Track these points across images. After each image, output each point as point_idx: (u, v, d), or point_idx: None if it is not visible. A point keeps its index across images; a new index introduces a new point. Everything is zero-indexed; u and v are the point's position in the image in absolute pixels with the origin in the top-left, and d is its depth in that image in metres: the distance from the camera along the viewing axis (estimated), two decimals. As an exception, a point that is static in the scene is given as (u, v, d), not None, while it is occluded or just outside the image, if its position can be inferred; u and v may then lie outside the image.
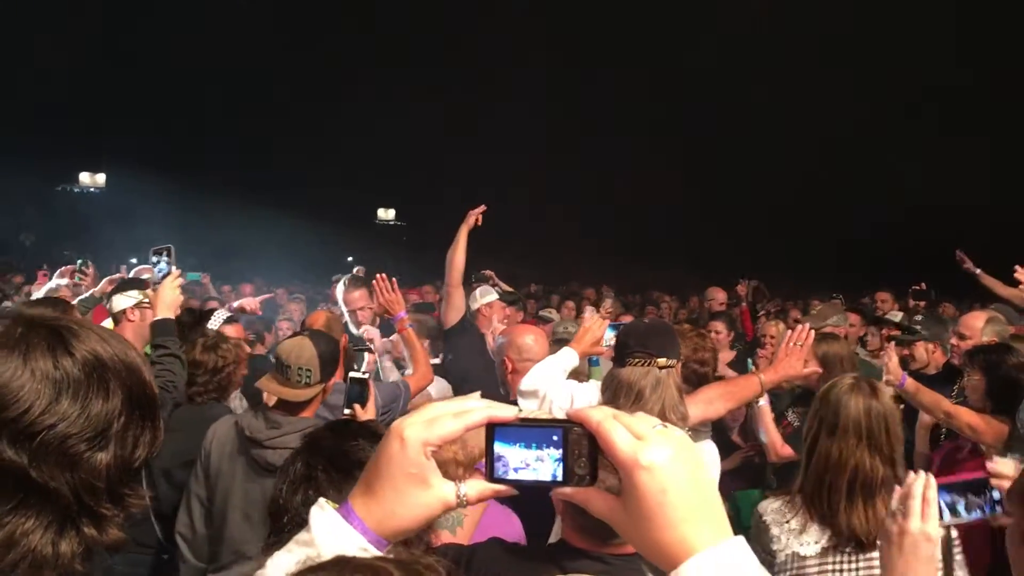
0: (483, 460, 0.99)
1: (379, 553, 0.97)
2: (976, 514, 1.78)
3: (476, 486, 1.00)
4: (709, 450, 3.48)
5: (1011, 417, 3.79)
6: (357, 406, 3.50)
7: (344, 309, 5.18)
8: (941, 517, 1.71)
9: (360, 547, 0.98)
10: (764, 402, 4.20)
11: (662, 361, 2.88)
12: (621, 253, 15.95)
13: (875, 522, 2.48)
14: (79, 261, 5.92)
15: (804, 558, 2.55)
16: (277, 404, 3.30)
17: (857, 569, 2.53)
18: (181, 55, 18.17)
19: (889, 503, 2.34)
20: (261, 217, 14.63)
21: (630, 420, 0.92)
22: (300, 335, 3.50)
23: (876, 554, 2.46)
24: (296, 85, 19.06)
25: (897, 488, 1.78)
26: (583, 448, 0.94)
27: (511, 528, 2.71)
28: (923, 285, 8.62)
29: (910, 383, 4.08)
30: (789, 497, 2.68)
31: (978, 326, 4.63)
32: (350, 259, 12.69)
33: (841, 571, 2.53)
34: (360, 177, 18.81)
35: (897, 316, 6.97)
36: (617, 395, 2.85)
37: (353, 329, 5.03)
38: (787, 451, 4.17)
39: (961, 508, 1.76)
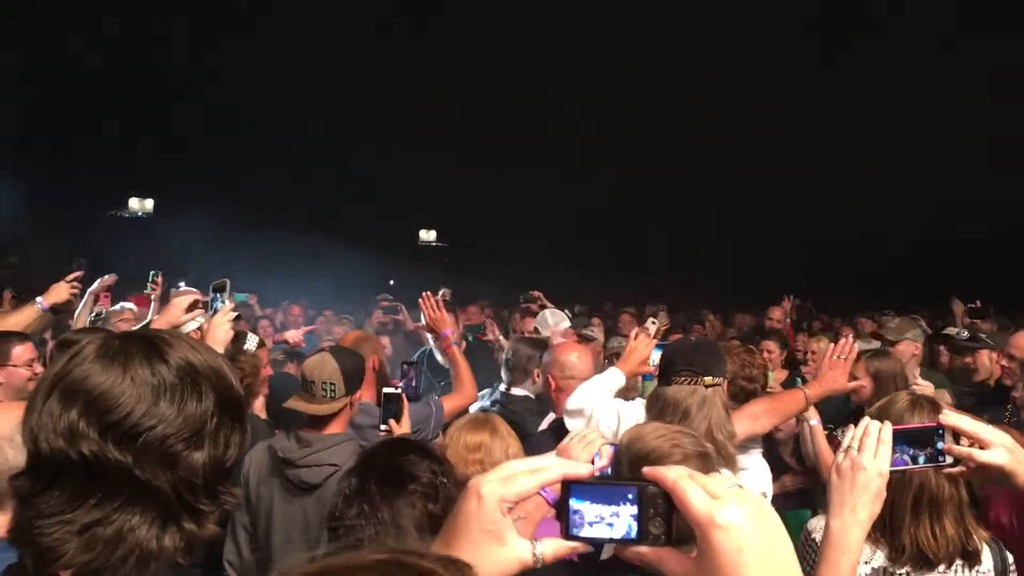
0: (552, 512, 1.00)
1: None
2: (922, 461, 1.80)
3: (552, 544, 1.01)
4: (759, 465, 3.46)
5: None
6: (392, 421, 3.56)
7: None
8: (896, 463, 1.77)
9: None
10: (816, 421, 4.18)
11: (708, 380, 2.89)
12: (658, 272, 15.88)
13: (943, 540, 2.43)
14: (151, 273, 6.03)
15: None
16: (307, 423, 3.35)
17: None
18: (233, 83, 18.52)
19: (954, 521, 2.39)
20: (301, 239, 14.80)
21: (705, 480, 0.92)
22: (323, 351, 3.56)
23: (932, 574, 2.44)
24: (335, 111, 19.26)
25: (851, 427, 1.84)
26: (659, 507, 0.94)
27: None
28: (978, 303, 8.44)
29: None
30: None
31: None
32: (392, 282, 12.74)
33: None
34: (401, 198, 18.99)
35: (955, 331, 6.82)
36: (663, 413, 2.85)
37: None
38: None
39: (909, 456, 1.79)
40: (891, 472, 1.77)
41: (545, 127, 19.13)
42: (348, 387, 3.36)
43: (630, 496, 0.95)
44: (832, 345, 3.65)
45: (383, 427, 3.53)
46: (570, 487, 0.99)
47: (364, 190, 18.52)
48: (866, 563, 2.50)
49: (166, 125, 19.40)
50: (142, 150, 19.57)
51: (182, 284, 6.94)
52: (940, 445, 1.80)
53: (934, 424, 1.82)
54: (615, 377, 3.65)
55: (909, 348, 5.26)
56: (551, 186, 19.20)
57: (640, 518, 0.94)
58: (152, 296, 6.01)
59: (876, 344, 5.33)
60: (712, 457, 2.14)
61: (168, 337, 1.32)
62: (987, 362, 5.09)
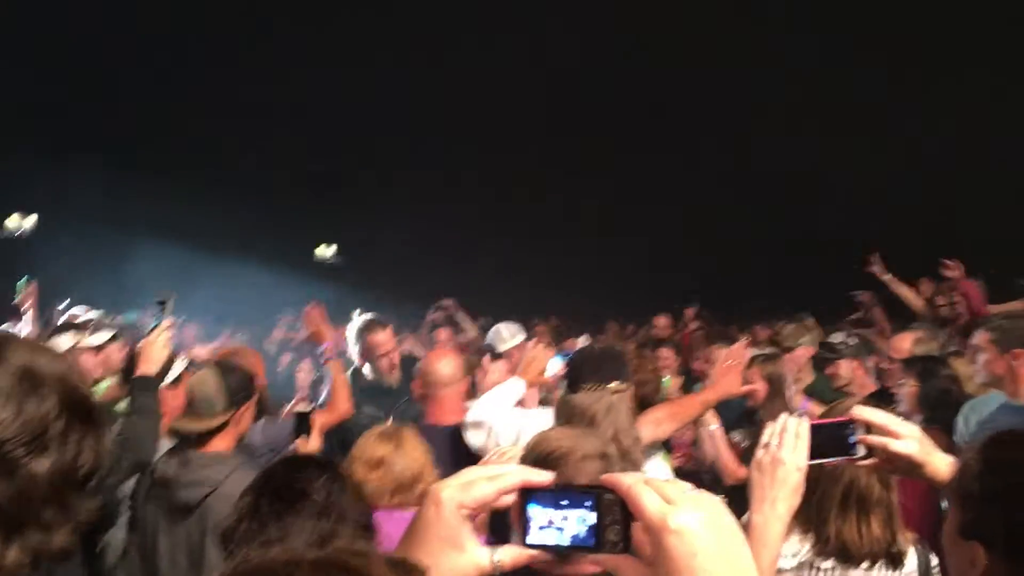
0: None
1: None
2: (834, 456, 1.86)
3: (510, 552, 1.00)
4: (661, 469, 3.56)
5: (940, 427, 3.97)
6: (301, 439, 3.53)
7: (357, 353, 4.90)
8: (814, 455, 1.82)
9: None
10: (716, 427, 4.34)
11: (614, 386, 2.96)
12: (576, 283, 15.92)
13: (868, 538, 2.51)
14: (21, 281, 5.74)
15: (780, 571, 2.53)
16: (194, 441, 3.20)
17: None
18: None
19: (880, 522, 2.48)
20: (190, 256, 14.30)
21: (661, 484, 0.92)
22: (205, 368, 3.45)
23: (854, 572, 2.52)
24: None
25: (770, 423, 1.89)
26: (616, 514, 0.94)
27: None
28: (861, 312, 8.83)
29: (812, 406, 4.24)
30: None
31: (906, 347, 4.80)
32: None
33: None
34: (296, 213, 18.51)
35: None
36: (571, 420, 2.90)
37: (370, 375, 4.83)
38: (743, 471, 4.27)
39: (824, 449, 1.85)
40: (809, 466, 1.82)
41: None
42: (229, 403, 3.21)
43: (588, 503, 0.95)
44: (724, 351, 3.79)
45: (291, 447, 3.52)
46: (529, 494, 0.98)
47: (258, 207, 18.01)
48: (793, 556, 2.56)
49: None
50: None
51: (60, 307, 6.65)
52: (853, 439, 1.86)
53: (847, 419, 1.87)
54: (515, 387, 3.72)
55: (805, 353, 5.52)
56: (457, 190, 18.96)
57: (598, 525, 0.94)
58: (24, 307, 5.71)
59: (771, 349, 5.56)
60: (613, 459, 2.18)
61: (5, 339, 1.25)
62: (846, 370, 5.40)
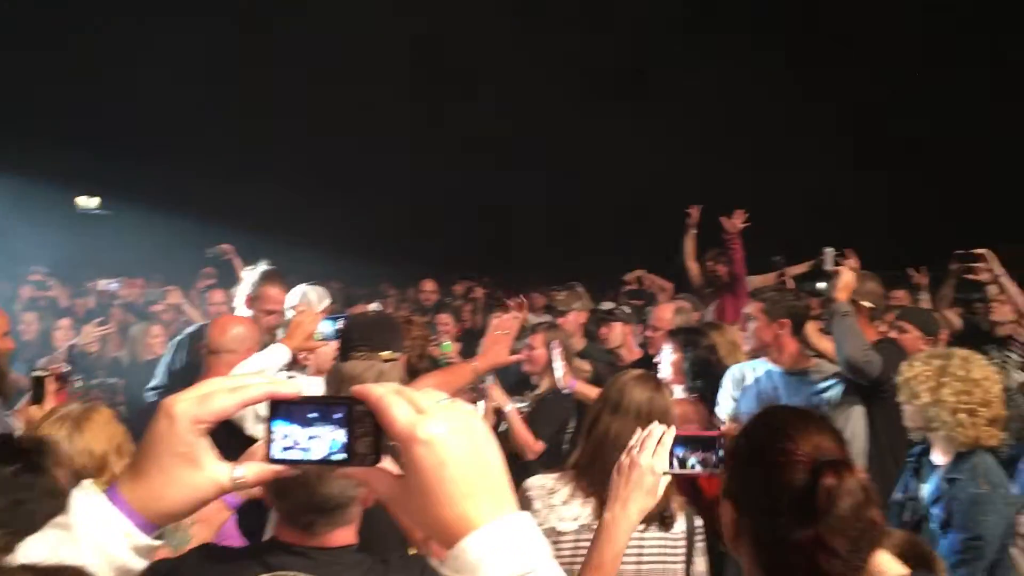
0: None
1: (146, 537, 0.92)
2: (698, 468, 1.93)
3: (254, 468, 0.94)
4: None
5: (700, 395, 4.22)
6: (34, 407, 3.29)
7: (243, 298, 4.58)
8: (671, 465, 1.89)
9: (124, 531, 0.90)
10: (511, 407, 4.41)
11: (386, 354, 2.91)
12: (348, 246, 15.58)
13: None
14: None
15: (561, 533, 2.64)
16: None
17: None
18: None
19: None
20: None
21: (414, 395, 0.88)
22: None
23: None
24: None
25: (639, 430, 1.98)
26: (367, 426, 0.89)
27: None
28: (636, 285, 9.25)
29: (581, 385, 4.38)
30: (560, 474, 2.78)
31: (668, 317, 5.05)
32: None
33: None
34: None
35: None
36: (340, 389, 2.82)
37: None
38: (540, 445, 4.37)
39: (690, 461, 1.91)
40: (668, 474, 1.88)
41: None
42: None
43: (338, 416, 0.90)
44: (496, 320, 3.80)
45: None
46: (277, 407, 0.92)
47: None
48: (574, 519, 2.65)
49: None
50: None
51: None
52: (719, 454, 1.91)
53: (716, 433, 1.95)
54: (279, 353, 3.57)
55: (577, 318, 5.73)
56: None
57: (348, 438, 0.90)
58: None
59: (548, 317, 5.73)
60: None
61: None
62: (619, 334, 5.70)
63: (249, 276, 4.69)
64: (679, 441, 1.91)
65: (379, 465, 0.90)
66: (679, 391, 4.33)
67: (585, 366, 4.99)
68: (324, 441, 0.91)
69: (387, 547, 2.27)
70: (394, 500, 0.89)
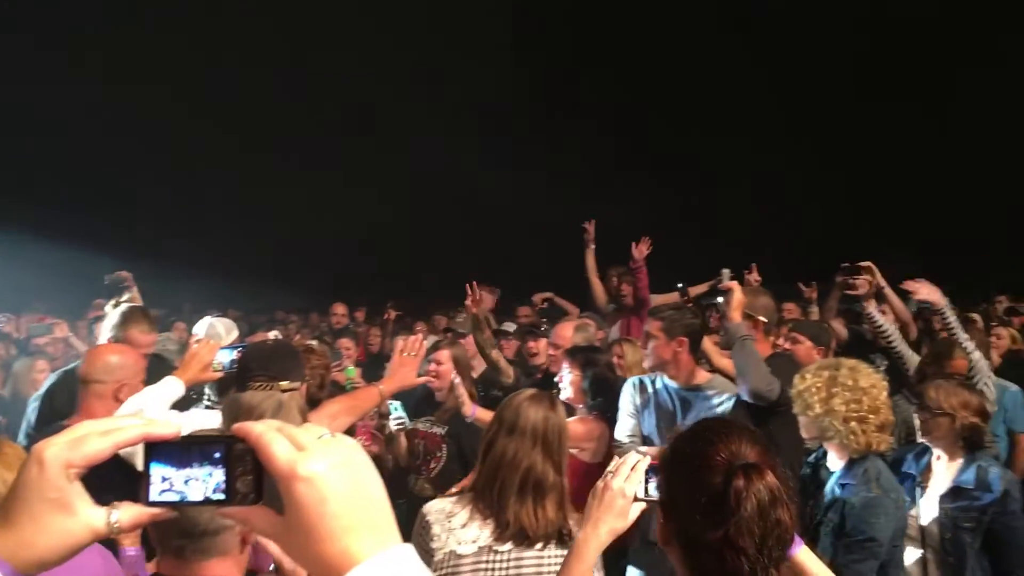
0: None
1: None
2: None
3: (130, 511, 0.91)
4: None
5: (600, 412, 4.28)
6: None
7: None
8: (645, 492, 1.96)
9: None
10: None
11: (284, 384, 2.83)
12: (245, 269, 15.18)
13: (544, 521, 2.65)
14: None
15: (460, 556, 2.63)
16: None
17: (507, 568, 2.65)
18: None
19: (555, 506, 2.66)
20: None
21: (295, 431, 0.87)
22: None
23: (529, 552, 2.65)
24: None
25: (616, 456, 2.08)
26: (247, 464, 0.88)
27: (109, 571, 2.47)
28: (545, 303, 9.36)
29: (480, 412, 4.37)
30: (458, 497, 2.77)
31: (568, 335, 5.09)
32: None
33: (493, 569, 2.63)
34: None
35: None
36: (237, 420, 2.74)
37: None
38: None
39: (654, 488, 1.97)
40: (640, 500, 1.95)
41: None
42: None
43: (216, 455, 0.89)
44: (402, 342, 3.78)
45: None
46: (153, 449, 0.90)
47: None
48: (473, 542, 2.63)
49: None
50: None
51: None
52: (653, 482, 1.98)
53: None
54: (172, 387, 3.47)
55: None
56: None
57: (228, 477, 0.89)
58: None
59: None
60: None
61: None
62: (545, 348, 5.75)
63: (111, 316, 4.39)
64: (652, 468, 1.98)
65: (260, 504, 0.89)
66: (580, 409, 4.39)
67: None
68: (203, 481, 0.90)
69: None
70: (276, 538, 0.88)
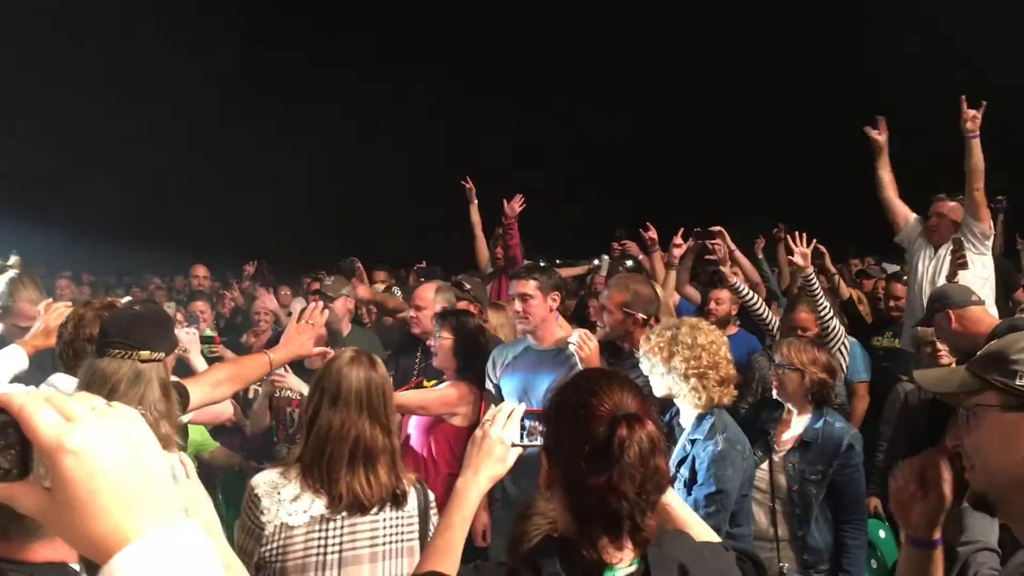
0: None
1: None
2: (541, 440, 2.02)
3: None
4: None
5: (472, 376, 4.31)
6: None
7: None
8: (521, 438, 2.01)
9: None
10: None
11: (145, 354, 2.72)
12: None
13: (376, 486, 2.65)
14: None
15: (292, 528, 2.60)
16: None
17: (342, 536, 2.64)
18: None
19: (386, 469, 2.65)
20: None
21: (64, 401, 0.82)
22: None
23: (364, 519, 2.66)
24: None
25: (493, 406, 2.10)
26: (10, 437, 0.81)
27: None
28: (423, 263, 9.33)
29: None
30: (284, 468, 2.71)
31: (431, 296, 5.05)
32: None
33: (326, 539, 2.62)
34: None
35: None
36: (90, 389, 2.65)
37: None
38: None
39: (535, 435, 2.02)
40: (517, 445, 1.99)
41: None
42: None
43: None
44: (300, 309, 3.63)
45: None
46: None
47: None
48: (304, 512, 2.61)
49: None
50: None
51: None
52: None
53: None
54: (13, 356, 3.34)
55: (344, 304, 5.71)
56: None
57: None
58: None
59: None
60: None
61: None
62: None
63: None
64: (527, 415, 2.04)
65: (27, 480, 0.83)
66: (451, 375, 4.41)
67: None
68: None
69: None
70: (44, 516, 0.83)
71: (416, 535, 2.76)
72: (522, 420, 2.04)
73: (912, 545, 1.72)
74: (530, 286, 4.13)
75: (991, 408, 1.39)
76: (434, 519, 2.79)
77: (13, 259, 4.25)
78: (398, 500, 2.71)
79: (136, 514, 0.79)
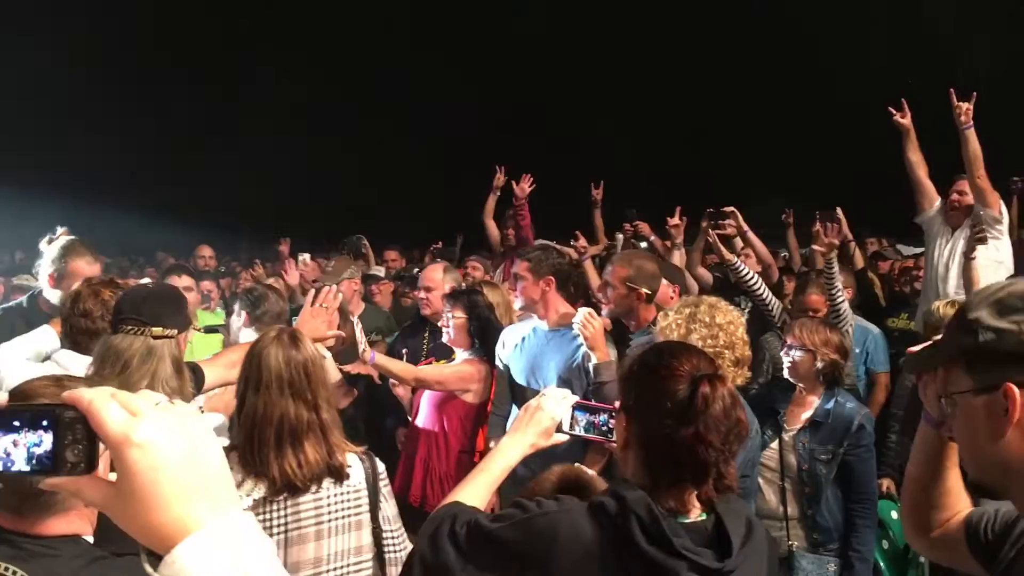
0: None
1: None
2: (591, 433, 2.15)
3: None
4: (216, 420, 3.44)
5: (484, 354, 4.33)
6: None
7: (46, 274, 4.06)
8: (572, 428, 2.12)
9: None
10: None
11: (157, 330, 2.73)
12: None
13: (307, 467, 2.59)
14: None
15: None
16: None
17: (286, 516, 2.60)
18: None
19: (314, 446, 2.60)
20: None
21: (128, 398, 0.85)
22: None
23: (305, 497, 2.61)
24: None
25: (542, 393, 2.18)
26: (77, 432, 0.85)
27: None
28: (440, 244, 9.33)
29: (380, 358, 4.34)
30: (227, 455, 2.69)
31: (439, 277, 5.05)
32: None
33: (270, 520, 2.58)
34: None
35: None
36: (104, 364, 2.68)
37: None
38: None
39: (582, 428, 2.13)
40: (564, 433, 2.11)
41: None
42: None
43: (45, 423, 0.86)
44: (313, 293, 3.56)
45: None
46: None
47: None
48: (248, 495, 2.56)
49: None
50: None
51: None
52: (612, 423, 2.08)
53: (611, 407, 2.10)
54: (43, 337, 3.36)
55: (350, 286, 5.70)
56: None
57: (56, 445, 0.85)
58: None
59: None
60: None
61: None
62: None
63: (49, 250, 4.14)
64: (577, 407, 2.14)
65: (94, 473, 0.87)
66: (464, 353, 4.44)
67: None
68: (29, 450, 0.87)
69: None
70: (108, 508, 0.86)
71: (364, 508, 2.73)
72: (573, 409, 2.13)
73: (927, 423, 1.75)
74: (522, 267, 4.14)
75: (964, 394, 1.37)
76: (384, 490, 2.77)
77: (60, 230, 4.29)
78: (337, 474, 2.66)
79: (196, 505, 0.83)
